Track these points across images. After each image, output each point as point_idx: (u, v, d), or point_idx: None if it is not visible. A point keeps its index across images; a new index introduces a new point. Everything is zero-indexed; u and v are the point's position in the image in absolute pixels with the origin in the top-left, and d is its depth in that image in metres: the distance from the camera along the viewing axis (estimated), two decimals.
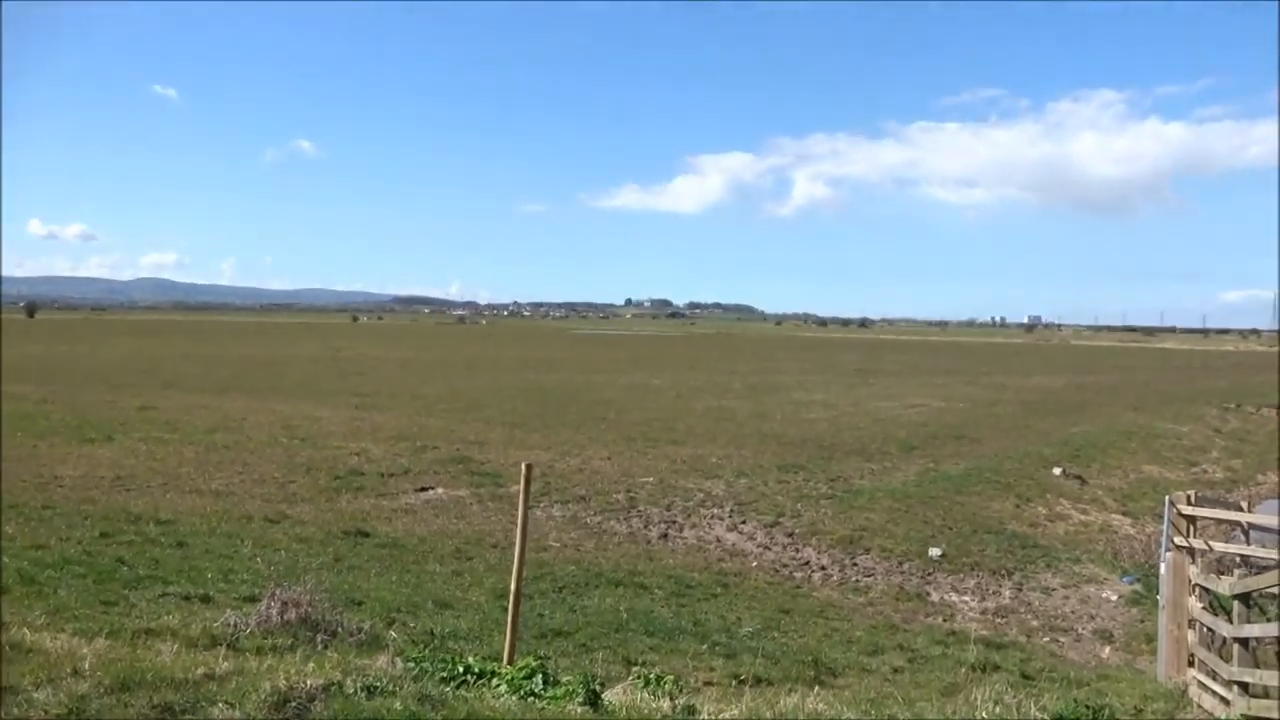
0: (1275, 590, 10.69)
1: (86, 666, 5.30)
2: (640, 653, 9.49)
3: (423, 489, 18.63)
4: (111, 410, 28.76)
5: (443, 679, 5.69)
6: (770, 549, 15.93)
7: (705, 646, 9.95)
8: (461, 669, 5.91)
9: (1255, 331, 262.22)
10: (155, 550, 12.57)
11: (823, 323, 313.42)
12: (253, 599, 9.44)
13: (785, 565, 15.15)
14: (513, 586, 7.45)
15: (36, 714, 4.68)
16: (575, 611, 11.10)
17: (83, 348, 72.61)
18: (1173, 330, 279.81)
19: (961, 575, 15.32)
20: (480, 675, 5.89)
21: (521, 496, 7.86)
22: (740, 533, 16.73)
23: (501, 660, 6.82)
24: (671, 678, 6.39)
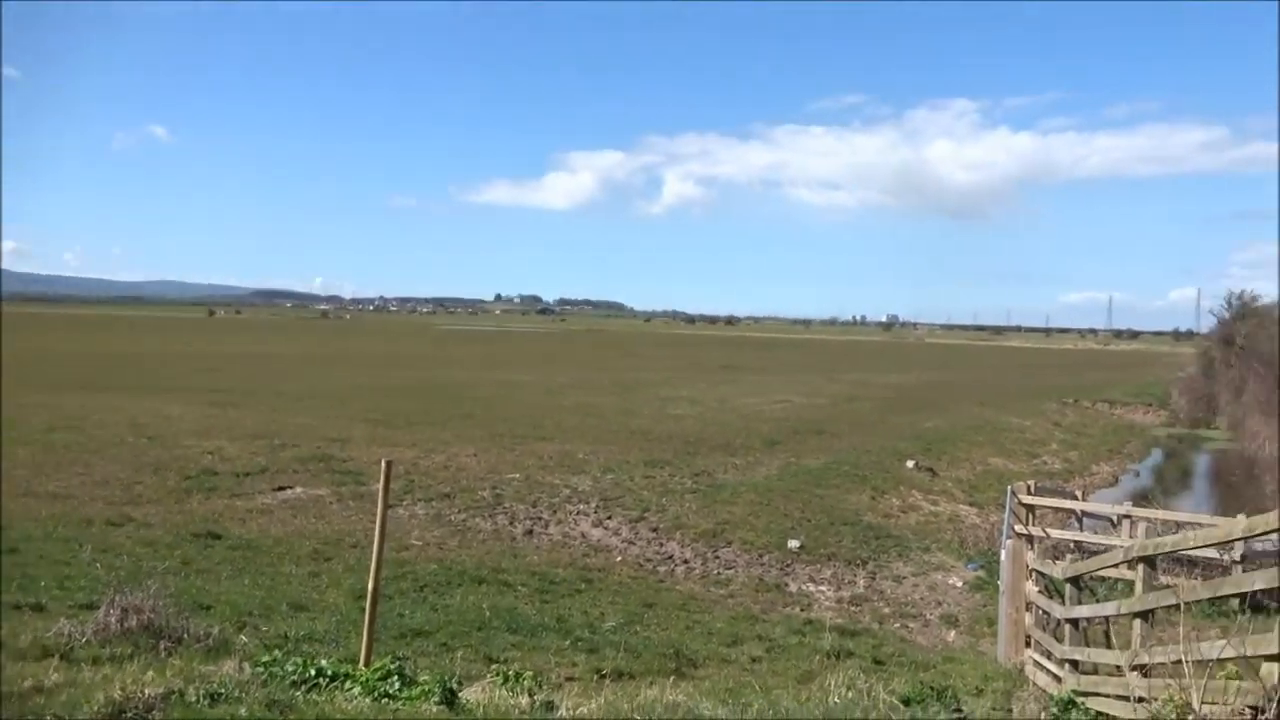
0: (1105, 573, 11.42)
1: None
2: (502, 650, 9.42)
3: (280, 488, 18.00)
4: None
5: (293, 683, 5.51)
6: (635, 544, 16.06)
7: (568, 642, 9.95)
8: (314, 672, 5.74)
9: (1093, 331, 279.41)
10: None
11: (691, 320, 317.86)
12: (91, 606, 8.91)
13: (649, 560, 15.30)
14: (370, 586, 7.27)
15: None
16: (437, 610, 10.93)
17: None
18: (1019, 329, 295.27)
19: (819, 566, 15.79)
20: (334, 678, 5.72)
21: (381, 494, 7.67)
22: (605, 528, 16.80)
23: (358, 663, 6.65)
24: (530, 674, 6.36)
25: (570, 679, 8.50)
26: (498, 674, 6.21)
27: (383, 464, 7.86)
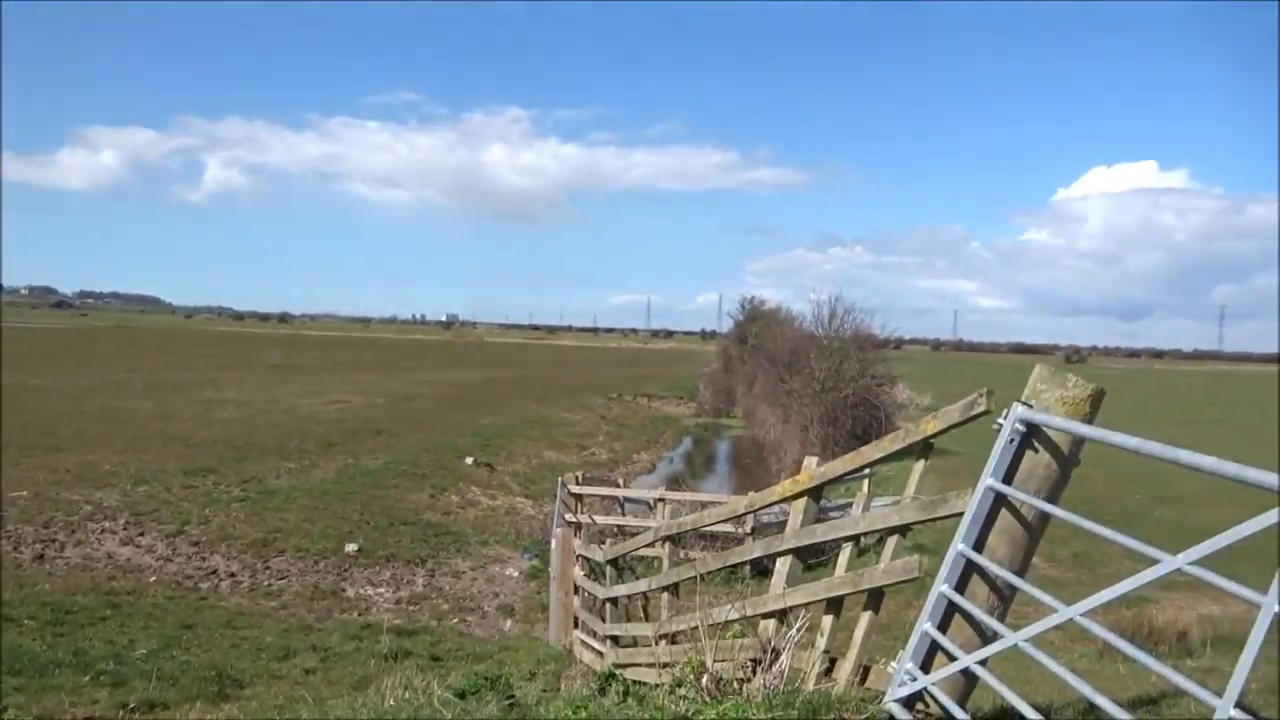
0: (645, 553, 12.46)
1: None
2: (3, 696, 8.10)
3: None
4: None
5: None
6: (173, 560, 14.65)
7: (88, 678, 8.80)
8: None
9: (635, 330, 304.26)
10: None
11: (239, 316, 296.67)
12: None
13: (190, 576, 14.05)
14: None
15: None
16: None
17: None
18: (570, 329, 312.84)
19: (378, 568, 15.52)
20: None
21: None
22: (137, 545, 15.14)
23: None
24: (11, 716, 5.52)
25: (89, 718, 7.54)
26: None
27: None
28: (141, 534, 15.68)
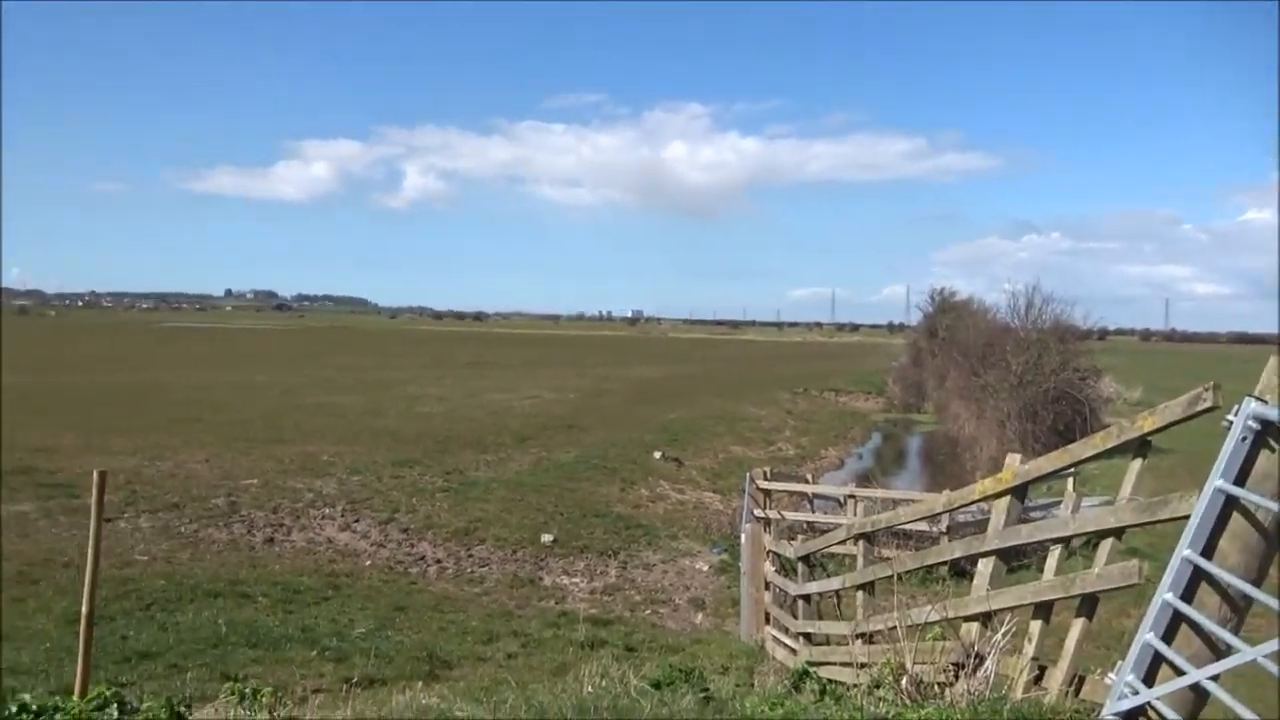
0: (835, 550, 12.30)
1: None
2: (241, 666, 8.89)
3: None
4: None
5: None
6: (385, 546, 15.61)
7: (314, 653, 9.54)
8: (15, 709, 5.15)
9: (819, 324, 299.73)
10: None
11: (438, 316, 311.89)
12: None
13: (400, 561, 14.93)
14: (84, 608, 6.61)
15: None
16: (166, 629, 10.14)
17: None
18: (754, 324, 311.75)
19: (572, 558, 16.00)
20: (39, 713, 5.16)
21: (94, 506, 7.00)
22: (354, 531, 16.22)
23: (72, 694, 6.05)
24: (269, 689, 6.02)
25: (317, 690, 8.16)
26: (232, 692, 5.83)
27: (95, 474, 7.21)
28: (357, 520, 16.79)
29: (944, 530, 16.61)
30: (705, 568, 16.47)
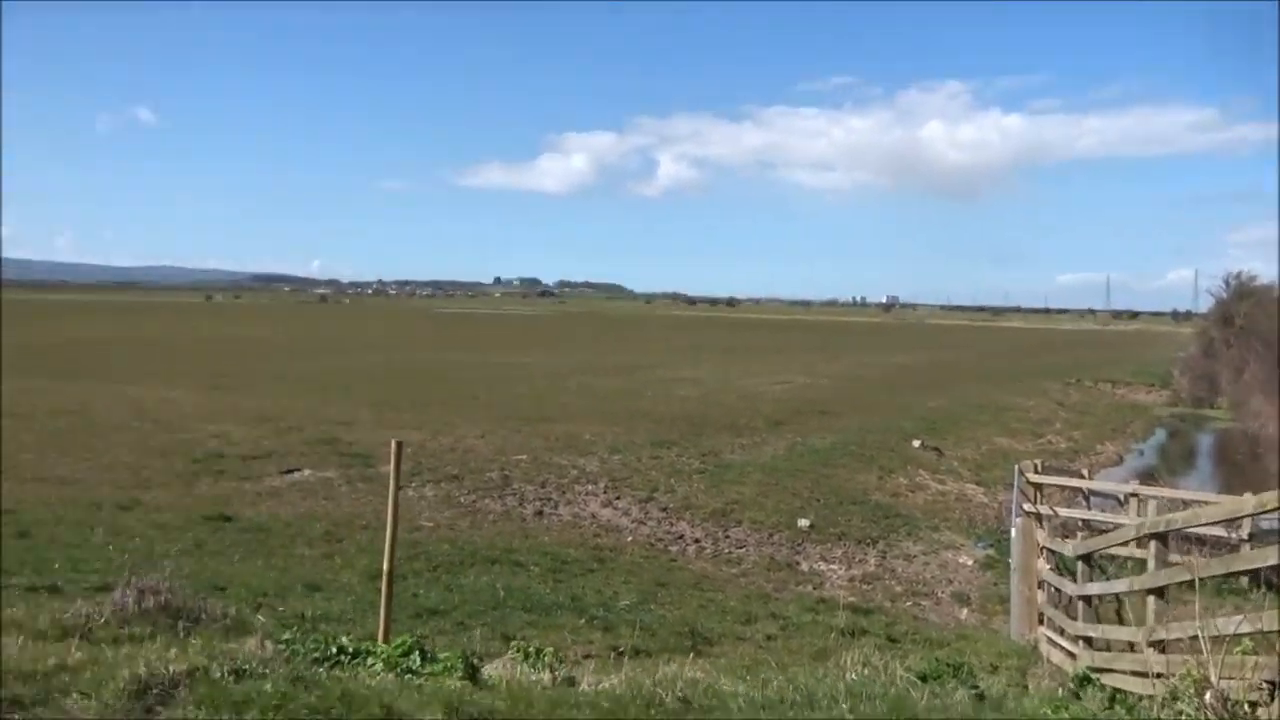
0: (1115, 551, 11.43)
1: None
2: (518, 629, 9.44)
3: (288, 471, 18.02)
4: None
5: (315, 660, 5.51)
6: (645, 524, 16.09)
7: (583, 621, 9.98)
8: (335, 649, 5.74)
9: (1091, 311, 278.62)
10: None
11: (691, 302, 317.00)
12: (105, 588, 8.91)
13: (660, 539, 15.34)
14: (385, 566, 7.29)
15: None
16: (451, 590, 10.95)
17: None
18: (1018, 310, 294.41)
19: (829, 545, 15.82)
20: (355, 655, 5.73)
21: (393, 474, 7.71)
22: (615, 508, 16.83)
23: (376, 640, 6.66)
24: (551, 650, 6.38)
25: (587, 656, 8.53)
26: (518, 650, 6.22)
27: (393, 444, 7.88)
28: (618, 498, 17.41)
29: (1245, 537, 15.04)
30: (969, 562, 15.79)
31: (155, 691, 4.64)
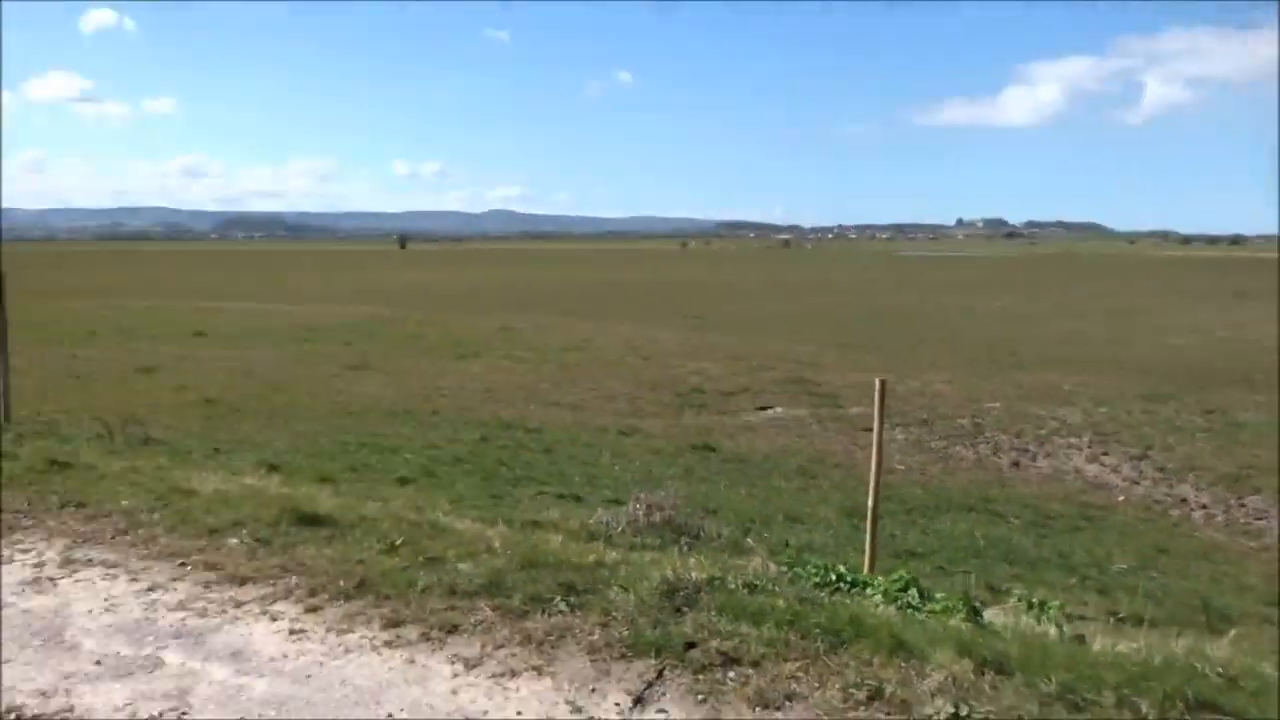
0: None
1: (497, 546, 5.87)
2: (1002, 580, 9.06)
3: (762, 408, 18.91)
4: (475, 331, 31.71)
5: (816, 584, 5.72)
6: (1139, 483, 14.61)
7: (1074, 580, 9.34)
8: (834, 577, 5.92)
9: None
10: (526, 455, 13.76)
11: (1185, 240, 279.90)
12: (616, 502, 10.03)
13: (1158, 502, 13.84)
14: (870, 501, 7.38)
15: (463, 582, 5.24)
16: (927, 534, 10.82)
17: (445, 275, 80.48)
18: None
19: None
20: (853, 584, 5.86)
21: (876, 412, 7.79)
22: (1102, 464, 15.48)
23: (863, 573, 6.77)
24: (1057, 604, 6.03)
25: (1081, 618, 7.97)
26: (1020, 599, 5.97)
27: (876, 383, 7.96)
28: (1105, 454, 15.98)
29: None
30: None
31: (681, 594, 5.12)
